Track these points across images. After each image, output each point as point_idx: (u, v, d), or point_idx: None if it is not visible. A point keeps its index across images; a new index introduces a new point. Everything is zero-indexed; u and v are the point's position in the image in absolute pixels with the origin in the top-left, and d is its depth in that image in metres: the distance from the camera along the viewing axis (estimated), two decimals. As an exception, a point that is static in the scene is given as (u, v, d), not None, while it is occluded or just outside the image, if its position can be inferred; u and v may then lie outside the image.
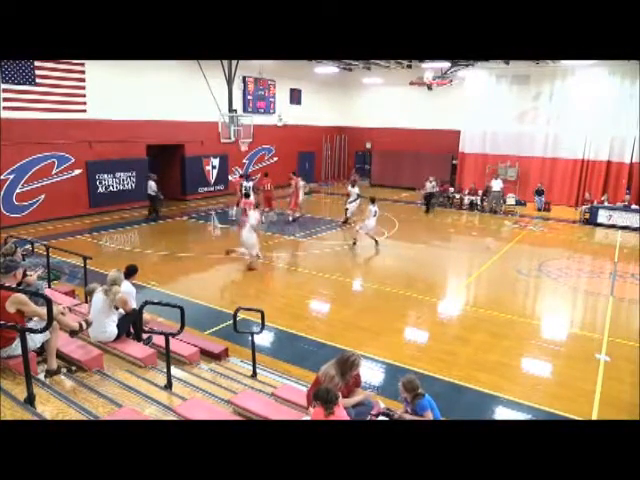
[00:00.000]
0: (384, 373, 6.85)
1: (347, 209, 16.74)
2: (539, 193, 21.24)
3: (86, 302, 6.62)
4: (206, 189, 21.02)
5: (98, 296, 5.58)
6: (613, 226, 17.76)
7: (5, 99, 13.80)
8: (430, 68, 20.60)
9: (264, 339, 7.59)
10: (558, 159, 21.99)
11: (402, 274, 11.68)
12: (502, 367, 7.08)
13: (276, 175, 19.45)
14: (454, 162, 24.78)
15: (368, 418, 4.29)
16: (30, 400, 3.60)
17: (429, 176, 20.57)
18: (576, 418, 5.76)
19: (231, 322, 6.35)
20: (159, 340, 5.60)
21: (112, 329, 5.60)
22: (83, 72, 15.77)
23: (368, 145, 28.15)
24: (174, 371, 5.07)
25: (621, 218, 17.80)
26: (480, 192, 21.23)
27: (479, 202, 20.95)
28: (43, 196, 15.29)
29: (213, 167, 21.08)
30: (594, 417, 5.85)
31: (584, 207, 19.10)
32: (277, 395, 5.01)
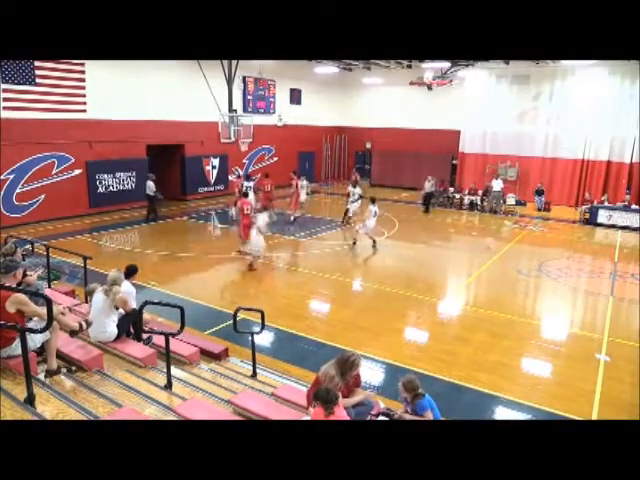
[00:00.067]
0: (384, 373, 6.85)
1: (347, 210, 16.72)
2: (539, 193, 21.25)
3: (86, 302, 6.62)
4: (206, 189, 21.03)
5: (98, 296, 5.58)
6: (613, 226, 17.76)
7: (5, 99, 13.80)
8: (430, 68, 20.60)
9: (264, 339, 7.59)
10: (558, 159, 22.00)
11: (402, 274, 11.68)
12: (502, 367, 7.08)
13: (276, 175, 19.44)
14: (454, 162, 24.79)
15: (368, 418, 4.29)
16: (30, 400, 3.60)
17: (428, 176, 20.57)
18: (576, 418, 5.76)
19: (231, 322, 6.35)
20: (159, 340, 5.60)
21: (112, 329, 5.59)
22: (83, 72, 15.78)
23: (368, 145, 28.15)
24: (174, 371, 5.07)
25: (621, 218, 17.80)
26: (480, 192, 21.23)
27: (479, 202, 20.95)
28: (43, 196, 15.30)
29: (213, 167, 21.09)
30: (594, 417, 5.85)
31: (584, 207, 19.10)
32: (277, 395, 5.01)
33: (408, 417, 4.27)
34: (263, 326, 6.43)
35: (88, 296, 6.23)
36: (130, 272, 6.29)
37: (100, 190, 16.88)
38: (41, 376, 4.33)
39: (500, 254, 13.75)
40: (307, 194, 18.19)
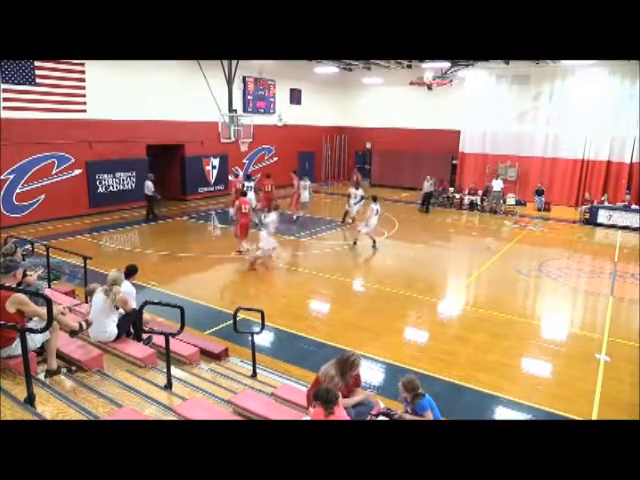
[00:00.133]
0: (384, 373, 6.85)
1: (347, 211, 16.61)
2: (539, 193, 21.25)
3: (86, 302, 6.62)
4: (206, 189, 21.02)
5: (98, 296, 5.58)
6: (613, 226, 17.76)
7: (5, 99, 13.80)
8: (430, 68, 20.60)
9: (264, 339, 7.59)
10: (558, 159, 22.00)
11: (402, 274, 11.68)
12: (502, 367, 7.08)
13: (276, 175, 19.44)
14: (454, 162, 24.79)
15: (368, 418, 4.29)
16: (30, 400, 3.60)
17: (427, 175, 20.57)
18: (576, 418, 5.76)
19: (231, 322, 6.35)
20: (159, 340, 5.60)
21: (112, 329, 5.59)
22: (83, 72, 15.78)
23: (368, 145, 28.15)
24: (174, 371, 5.07)
25: (621, 218, 17.80)
26: (480, 192, 21.23)
27: (479, 202, 20.95)
28: (43, 196, 15.30)
29: (213, 167, 21.08)
30: (594, 417, 5.85)
31: (584, 207, 19.10)
32: (277, 395, 5.01)
33: (408, 417, 4.27)
34: (263, 326, 6.43)
35: (88, 296, 6.23)
36: (130, 272, 6.29)
37: (100, 190, 16.88)
38: (41, 376, 4.33)
39: (500, 254, 13.75)
40: (309, 194, 18.16)
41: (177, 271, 11.30)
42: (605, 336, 8.23)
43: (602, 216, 18.08)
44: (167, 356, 4.86)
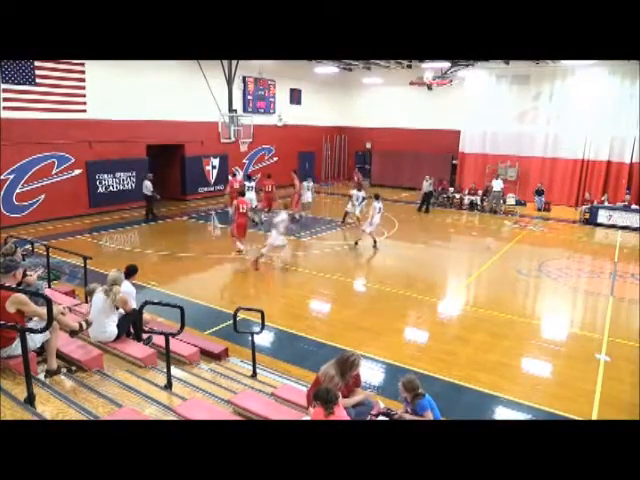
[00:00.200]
0: (384, 373, 6.85)
1: (347, 212, 16.53)
2: (539, 193, 21.25)
3: (86, 302, 6.62)
4: (206, 189, 21.02)
5: (98, 296, 5.58)
6: (613, 226, 17.76)
7: (5, 99, 13.80)
8: (430, 68, 20.60)
9: (264, 339, 7.59)
10: (558, 159, 22.00)
11: (402, 274, 11.68)
12: (502, 367, 7.08)
13: (276, 175, 19.43)
14: (454, 162, 24.79)
15: (368, 418, 4.29)
16: (30, 400, 3.60)
17: (426, 175, 20.54)
18: (576, 418, 5.76)
19: (231, 322, 6.35)
20: (159, 340, 5.60)
21: (112, 329, 5.59)
22: (83, 72, 15.77)
23: (368, 145, 28.15)
24: (174, 371, 5.07)
25: (621, 218, 17.81)
26: (480, 192, 21.23)
27: (479, 202, 20.95)
28: (43, 196, 15.29)
29: (213, 167, 21.08)
30: (594, 417, 5.85)
31: (584, 207, 19.10)
32: (277, 395, 5.01)
33: (408, 417, 4.27)
34: (263, 326, 6.43)
35: (88, 296, 6.23)
36: (130, 272, 6.29)
37: (100, 190, 16.88)
38: (41, 376, 4.33)
39: (500, 254, 13.75)
40: (312, 194, 18.12)
41: (177, 271, 11.30)
42: (605, 336, 8.23)
43: (602, 216, 18.08)
44: (167, 356, 4.86)
